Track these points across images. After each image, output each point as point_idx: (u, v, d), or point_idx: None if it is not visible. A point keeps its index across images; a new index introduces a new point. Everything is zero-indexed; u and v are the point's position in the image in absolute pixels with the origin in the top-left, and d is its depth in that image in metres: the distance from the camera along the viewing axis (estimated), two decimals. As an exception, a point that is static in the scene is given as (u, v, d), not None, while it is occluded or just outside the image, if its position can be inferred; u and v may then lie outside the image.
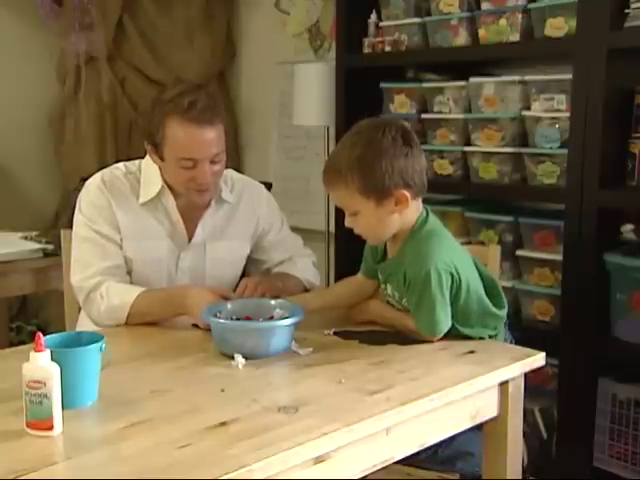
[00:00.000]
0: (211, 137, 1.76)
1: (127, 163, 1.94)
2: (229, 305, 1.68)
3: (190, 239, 1.93)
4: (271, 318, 1.65)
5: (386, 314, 1.73)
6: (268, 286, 1.82)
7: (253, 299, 1.75)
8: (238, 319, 1.64)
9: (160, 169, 1.87)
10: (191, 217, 1.91)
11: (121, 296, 1.77)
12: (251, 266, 2.09)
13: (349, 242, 2.81)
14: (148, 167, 1.90)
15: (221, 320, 1.60)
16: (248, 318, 1.66)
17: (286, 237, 2.10)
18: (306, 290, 2.04)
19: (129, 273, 1.88)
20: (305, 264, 2.07)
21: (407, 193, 1.56)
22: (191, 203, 1.88)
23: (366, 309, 1.77)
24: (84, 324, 1.90)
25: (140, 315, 1.76)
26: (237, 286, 2.08)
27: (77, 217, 1.88)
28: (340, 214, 2.85)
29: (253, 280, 1.84)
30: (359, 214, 1.59)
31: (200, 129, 1.74)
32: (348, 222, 1.63)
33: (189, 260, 1.93)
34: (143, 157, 1.95)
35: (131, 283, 1.86)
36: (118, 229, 1.86)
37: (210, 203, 1.93)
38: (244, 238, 2.02)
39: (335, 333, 1.71)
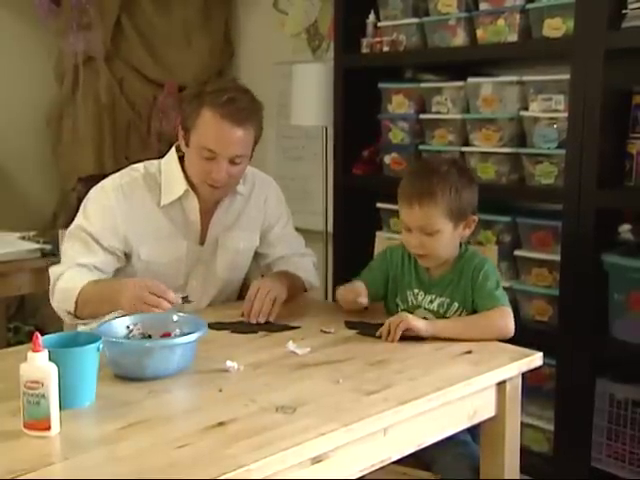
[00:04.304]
0: (237, 137, 1.78)
1: (146, 164, 1.94)
2: (131, 320, 1.54)
3: (205, 234, 1.94)
4: (167, 335, 1.52)
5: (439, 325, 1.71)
6: (279, 292, 1.81)
7: (157, 314, 1.59)
8: (150, 336, 1.52)
9: (182, 166, 1.88)
10: (205, 211, 1.93)
11: (73, 282, 1.78)
12: (252, 260, 2.09)
13: (347, 242, 2.84)
14: (170, 168, 1.91)
15: (115, 339, 1.45)
16: (167, 334, 1.52)
17: (290, 234, 2.11)
18: (305, 290, 2.04)
19: (142, 276, 1.87)
20: (306, 265, 2.08)
21: (476, 218, 1.77)
22: (206, 200, 1.90)
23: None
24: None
25: (84, 303, 1.75)
26: (242, 286, 2.09)
27: (79, 215, 1.89)
28: (339, 214, 2.87)
29: (265, 285, 1.82)
30: (437, 234, 1.71)
31: (229, 126, 1.76)
32: (419, 241, 1.73)
33: (206, 254, 1.96)
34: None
35: None
36: (119, 238, 1.85)
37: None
38: (254, 229, 2.04)
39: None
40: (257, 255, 2.09)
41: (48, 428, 1.17)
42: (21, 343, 2.15)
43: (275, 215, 2.07)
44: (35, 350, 1.18)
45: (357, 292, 1.77)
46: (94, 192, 1.90)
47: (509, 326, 1.68)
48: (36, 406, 1.16)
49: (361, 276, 1.91)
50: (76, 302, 1.76)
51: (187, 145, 1.83)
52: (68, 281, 1.79)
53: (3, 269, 2.55)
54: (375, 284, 1.86)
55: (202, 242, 1.95)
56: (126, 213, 1.86)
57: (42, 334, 1.23)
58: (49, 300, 1.87)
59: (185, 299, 1.73)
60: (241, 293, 2.10)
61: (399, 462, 1.45)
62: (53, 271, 1.85)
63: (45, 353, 1.19)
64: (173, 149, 1.93)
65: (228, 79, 2.78)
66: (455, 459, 1.67)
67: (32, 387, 1.16)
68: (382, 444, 1.32)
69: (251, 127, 1.81)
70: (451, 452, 1.66)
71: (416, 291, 1.81)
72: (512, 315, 1.70)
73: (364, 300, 1.76)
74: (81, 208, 1.89)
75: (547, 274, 2.33)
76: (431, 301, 1.78)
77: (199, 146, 1.79)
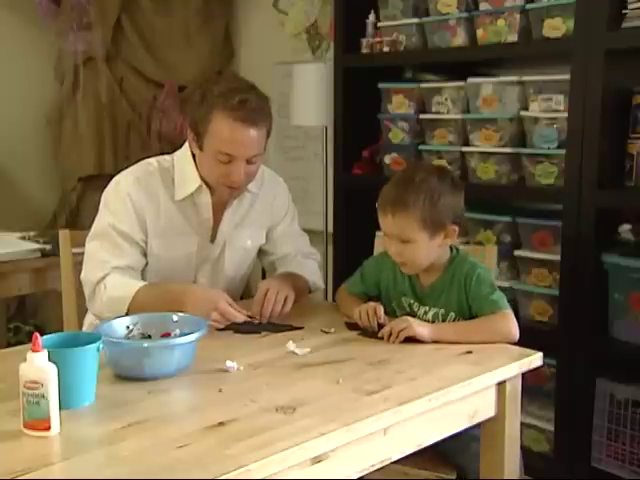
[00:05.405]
0: (252, 138, 1.78)
1: (159, 159, 1.94)
2: (130, 320, 1.57)
3: (215, 232, 1.95)
4: (167, 335, 1.54)
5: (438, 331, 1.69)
6: (288, 292, 1.81)
7: (156, 314, 1.61)
8: (150, 336, 1.55)
9: (195, 161, 1.87)
10: (216, 210, 1.93)
11: (122, 289, 1.78)
12: (256, 257, 2.09)
13: (347, 242, 2.84)
14: (182, 164, 1.90)
15: (114, 339, 1.46)
16: (167, 334, 1.54)
17: (295, 232, 2.11)
18: (310, 292, 2.04)
19: (152, 270, 1.89)
20: (311, 266, 2.07)
21: (457, 228, 1.72)
22: (219, 198, 1.90)
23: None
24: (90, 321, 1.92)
25: (139, 309, 1.75)
26: (244, 283, 2.10)
27: (102, 212, 1.88)
28: (339, 214, 2.87)
29: (275, 285, 1.82)
30: (411, 243, 1.69)
31: (244, 128, 1.76)
32: (395, 248, 1.72)
33: (215, 252, 1.96)
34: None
35: (158, 278, 1.87)
36: (144, 229, 1.86)
37: None
38: (261, 226, 2.04)
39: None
40: (261, 252, 2.08)
41: (48, 428, 1.17)
42: (21, 343, 2.15)
43: (282, 212, 2.06)
44: (35, 350, 1.18)
45: (379, 317, 1.71)
46: (111, 188, 1.89)
47: (513, 331, 1.66)
48: (36, 406, 1.16)
49: (352, 284, 1.91)
50: (128, 309, 1.76)
51: (200, 149, 1.82)
52: (114, 289, 1.78)
53: (3, 269, 2.55)
54: (367, 294, 1.87)
55: (212, 239, 1.96)
56: (144, 204, 1.86)
57: (42, 334, 1.23)
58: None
59: (251, 317, 1.75)
60: (243, 292, 2.10)
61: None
62: (88, 278, 1.83)
63: (45, 353, 1.19)
64: (186, 144, 1.91)
65: (231, 75, 2.74)
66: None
67: (32, 387, 1.16)
68: (382, 444, 1.32)
69: (263, 125, 1.80)
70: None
71: (411, 301, 1.80)
72: (514, 319, 1.68)
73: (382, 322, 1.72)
74: (102, 206, 1.88)
75: (547, 274, 2.33)
76: (425, 312, 1.77)
77: (215, 150, 1.78)
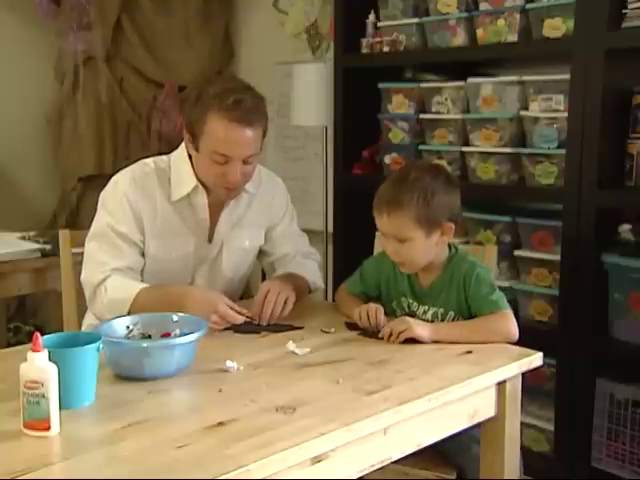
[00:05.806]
0: (248, 138, 1.78)
1: (156, 159, 1.94)
2: (130, 320, 1.58)
3: (212, 232, 1.94)
4: (167, 335, 1.55)
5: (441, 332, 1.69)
6: (289, 293, 1.81)
7: (156, 314, 1.62)
8: (150, 336, 1.56)
9: (192, 162, 1.88)
10: (213, 211, 1.93)
11: (123, 291, 1.78)
12: (255, 258, 2.09)
13: (347, 242, 2.84)
14: (179, 164, 1.90)
15: (114, 339, 1.46)
16: (167, 334, 1.55)
17: (294, 232, 2.10)
18: (310, 292, 2.04)
19: (149, 270, 1.89)
20: (311, 266, 2.07)
21: (453, 226, 1.71)
22: (216, 198, 1.89)
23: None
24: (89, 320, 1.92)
25: (140, 311, 1.74)
26: (243, 283, 2.09)
27: (100, 213, 1.88)
28: (339, 214, 2.87)
29: (275, 286, 1.82)
30: (408, 242, 1.69)
31: (239, 129, 1.76)
32: (393, 248, 1.72)
33: (212, 252, 1.96)
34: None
35: (155, 279, 1.87)
36: (141, 229, 1.86)
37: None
38: (260, 227, 2.03)
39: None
40: (260, 253, 2.08)
41: (48, 428, 1.17)
42: (21, 343, 2.15)
43: (280, 213, 2.06)
44: (35, 350, 1.18)
45: (379, 320, 1.71)
46: (109, 188, 1.90)
47: (512, 331, 1.66)
48: (36, 406, 1.16)
49: (351, 284, 1.91)
50: (129, 311, 1.75)
51: (196, 150, 1.83)
52: (115, 291, 1.78)
53: (3, 269, 2.55)
54: (367, 294, 1.87)
55: (210, 240, 1.96)
56: (141, 204, 1.86)
57: (42, 334, 1.23)
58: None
59: (250, 318, 1.75)
60: (242, 293, 2.10)
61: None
62: (88, 280, 1.83)
63: (45, 353, 1.19)
64: (183, 145, 1.91)
65: (227, 76, 2.75)
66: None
67: (32, 387, 1.16)
68: (382, 444, 1.32)
69: (259, 125, 1.80)
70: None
71: (410, 301, 1.80)
72: (514, 319, 1.68)
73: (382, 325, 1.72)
74: (100, 206, 1.89)
75: (547, 274, 2.33)
76: (425, 312, 1.77)
77: (211, 151, 1.78)
